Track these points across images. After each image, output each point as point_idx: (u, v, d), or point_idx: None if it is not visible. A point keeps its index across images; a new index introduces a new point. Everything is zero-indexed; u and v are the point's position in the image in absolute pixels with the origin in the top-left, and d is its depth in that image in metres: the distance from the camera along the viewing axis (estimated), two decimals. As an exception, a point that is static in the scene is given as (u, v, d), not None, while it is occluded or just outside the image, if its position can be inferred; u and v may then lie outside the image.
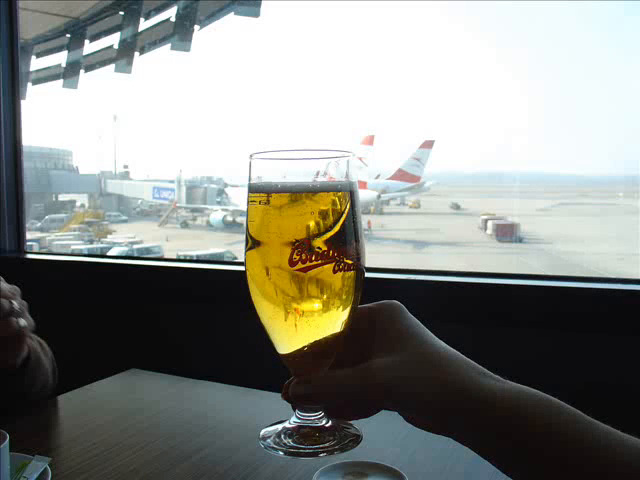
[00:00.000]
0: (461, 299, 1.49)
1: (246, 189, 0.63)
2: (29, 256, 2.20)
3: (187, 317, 1.85)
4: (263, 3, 3.65)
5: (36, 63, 4.05)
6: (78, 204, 12.44)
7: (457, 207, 12.62)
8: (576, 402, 0.54)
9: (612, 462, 0.49)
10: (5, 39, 2.19)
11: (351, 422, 0.65)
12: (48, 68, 4.16)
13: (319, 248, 0.57)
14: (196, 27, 3.90)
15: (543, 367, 1.39)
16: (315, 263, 0.57)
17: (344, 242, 0.59)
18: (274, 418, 0.65)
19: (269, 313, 0.61)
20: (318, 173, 0.60)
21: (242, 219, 0.68)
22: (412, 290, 1.51)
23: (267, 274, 0.59)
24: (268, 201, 0.59)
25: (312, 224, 0.58)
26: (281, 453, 0.59)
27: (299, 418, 0.63)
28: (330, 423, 0.63)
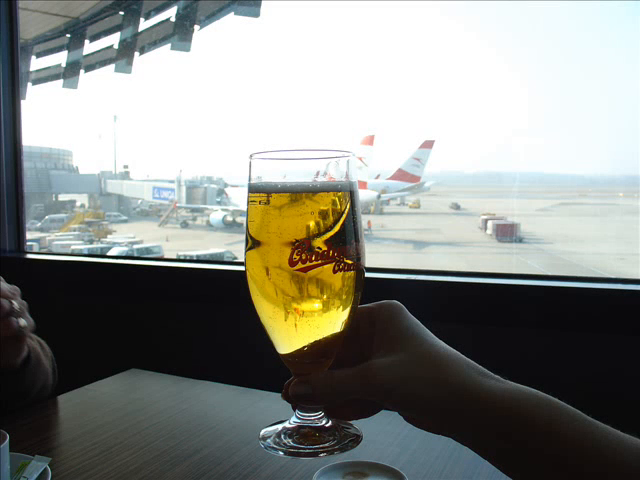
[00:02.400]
0: (461, 299, 1.49)
1: (246, 189, 0.63)
2: (29, 256, 2.20)
3: (187, 317, 1.85)
4: (263, 3, 3.65)
5: (36, 63, 4.04)
6: (78, 204, 12.42)
7: (457, 207, 12.60)
8: (576, 402, 0.54)
9: (612, 462, 0.49)
10: (5, 39, 2.19)
11: (351, 422, 0.65)
12: (48, 68, 4.16)
13: (319, 248, 0.57)
14: (196, 27, 3.90)
15: (543, 367, 1.39)
16: (315, 263, 0.57)
17: (344, 242, 0.59)
18: (274, 418, 0.65)
19: (269, 313, 0.61)
20: (318, 173, 0.60)
21: (242, 219, 0.68)
22: (412, 290, 1.52)
23: (267, 274, 0.59)
24: (268, 201, 0.59)
25: (312, 224, 0.58)
26: (281, 453, 0.59)
27: (299, 418, 0.63)
28: (330, 423, 0.63)
